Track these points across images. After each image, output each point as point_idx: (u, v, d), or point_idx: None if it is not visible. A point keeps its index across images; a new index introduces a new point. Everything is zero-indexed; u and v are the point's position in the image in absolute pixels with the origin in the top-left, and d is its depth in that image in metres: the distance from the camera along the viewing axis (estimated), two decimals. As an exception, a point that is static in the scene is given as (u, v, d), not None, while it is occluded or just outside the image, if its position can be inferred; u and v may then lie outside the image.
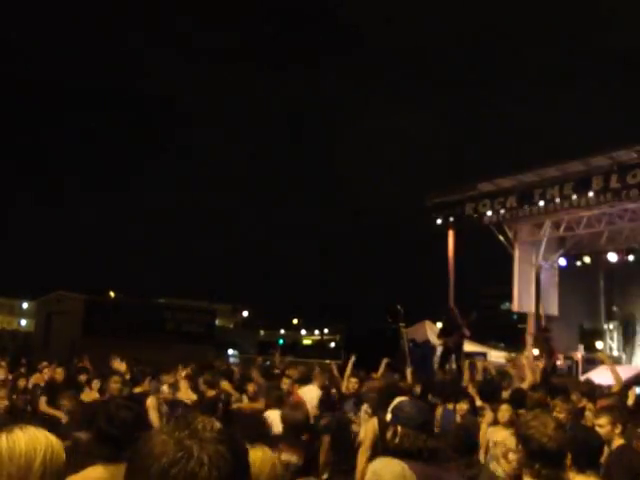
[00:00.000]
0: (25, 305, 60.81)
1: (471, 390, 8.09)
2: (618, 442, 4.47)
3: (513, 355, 16.19)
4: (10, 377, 9.93)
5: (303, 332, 74.56)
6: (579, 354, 17.28)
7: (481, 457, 5.43)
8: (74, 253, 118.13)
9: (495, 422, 5.79)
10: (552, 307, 19.51)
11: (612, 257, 18.57)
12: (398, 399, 3.53)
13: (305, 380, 8.38)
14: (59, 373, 9.61)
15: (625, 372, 12.40)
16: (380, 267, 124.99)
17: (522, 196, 17.11)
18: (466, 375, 10.02)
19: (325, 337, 61.10)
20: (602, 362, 12.49)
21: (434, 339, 17.96)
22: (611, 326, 19.84)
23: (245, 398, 8.38)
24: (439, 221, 19.15)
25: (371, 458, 3.84)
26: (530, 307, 19.21)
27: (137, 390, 7.59)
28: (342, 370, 9.31)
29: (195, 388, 8.13)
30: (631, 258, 18.21)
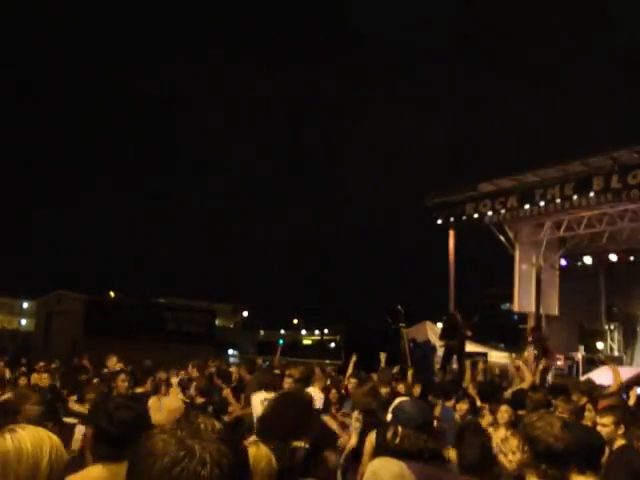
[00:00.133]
0: (25, 305, 60.70)
1: (471, 390, 8.09)
2: (620, 442, 4.46)
3: (513, 356, 16.22)
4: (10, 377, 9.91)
5: (303, 332, 74.50)
6: (579, 354, 17.27)
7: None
8: (74, 253, 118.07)
9: (494, 423, 5.80)
10: (552, 307, 19.52)
11: (613, 257, 18.60)
12: (399, 399, 3.53)
13: (306, 380, 8.34)
14: (44, 379, 8.57)
15: (626, 373, 12.40)
16: (380, 267, 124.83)
17: (523, 196, 17.10)
18: (467, 375, 10.03)
19: (325, 337, 61.02)
20: (604, 363, 12.50)
21: (434, 339, 17.98)
22: (612, 326, 19.82)
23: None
24: (439, 221, 19.15)
25: None
26: (530, 307, 19.22)
27: (139, 390, 7.58)
28: (343, 370, 9.28)
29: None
30: (632, 258, 18.23)
